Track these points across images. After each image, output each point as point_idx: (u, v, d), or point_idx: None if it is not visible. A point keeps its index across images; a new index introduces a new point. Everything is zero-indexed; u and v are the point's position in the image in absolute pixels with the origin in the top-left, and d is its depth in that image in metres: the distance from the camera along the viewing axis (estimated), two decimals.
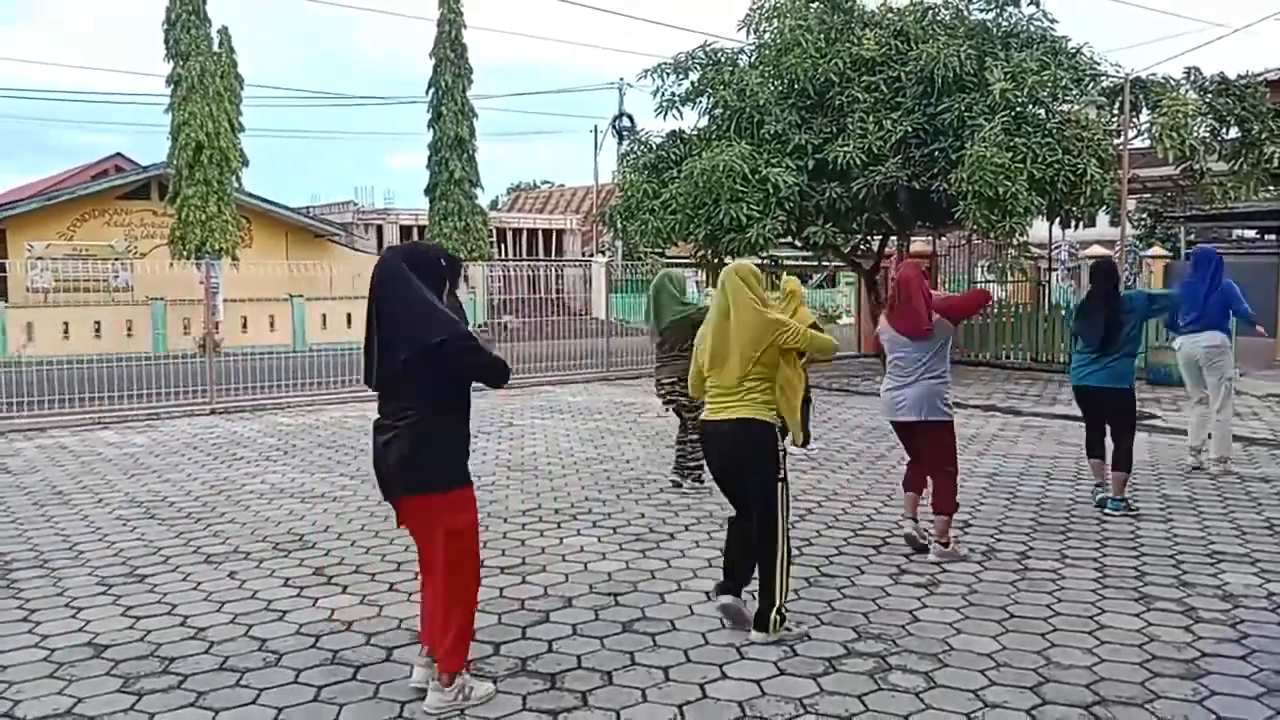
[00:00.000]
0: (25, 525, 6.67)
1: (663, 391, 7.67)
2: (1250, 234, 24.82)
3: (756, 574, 4.59)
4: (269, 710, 3.82)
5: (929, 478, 5.94)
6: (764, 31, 14.95)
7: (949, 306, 5.94)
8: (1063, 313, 15.61)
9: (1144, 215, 31.44)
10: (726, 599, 4.71)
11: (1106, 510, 6.75)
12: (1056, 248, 21.24)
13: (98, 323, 20.68)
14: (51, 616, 4.86)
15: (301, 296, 22.39)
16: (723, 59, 15.19)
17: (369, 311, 3.89)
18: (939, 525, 5.78)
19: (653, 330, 7.75)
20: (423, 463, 3.88)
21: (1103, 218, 15.34)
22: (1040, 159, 12.33)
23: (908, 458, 6.18)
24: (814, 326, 7.13)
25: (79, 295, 22.72)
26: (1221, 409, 8.15)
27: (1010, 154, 12.05)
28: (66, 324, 20.31)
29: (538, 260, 31.68)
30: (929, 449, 5.91)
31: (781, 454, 4.62)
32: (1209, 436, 8.25)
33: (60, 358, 13.04)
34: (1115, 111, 13.68)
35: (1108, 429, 6.95)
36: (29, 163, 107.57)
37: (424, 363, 3.77)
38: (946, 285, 20.36)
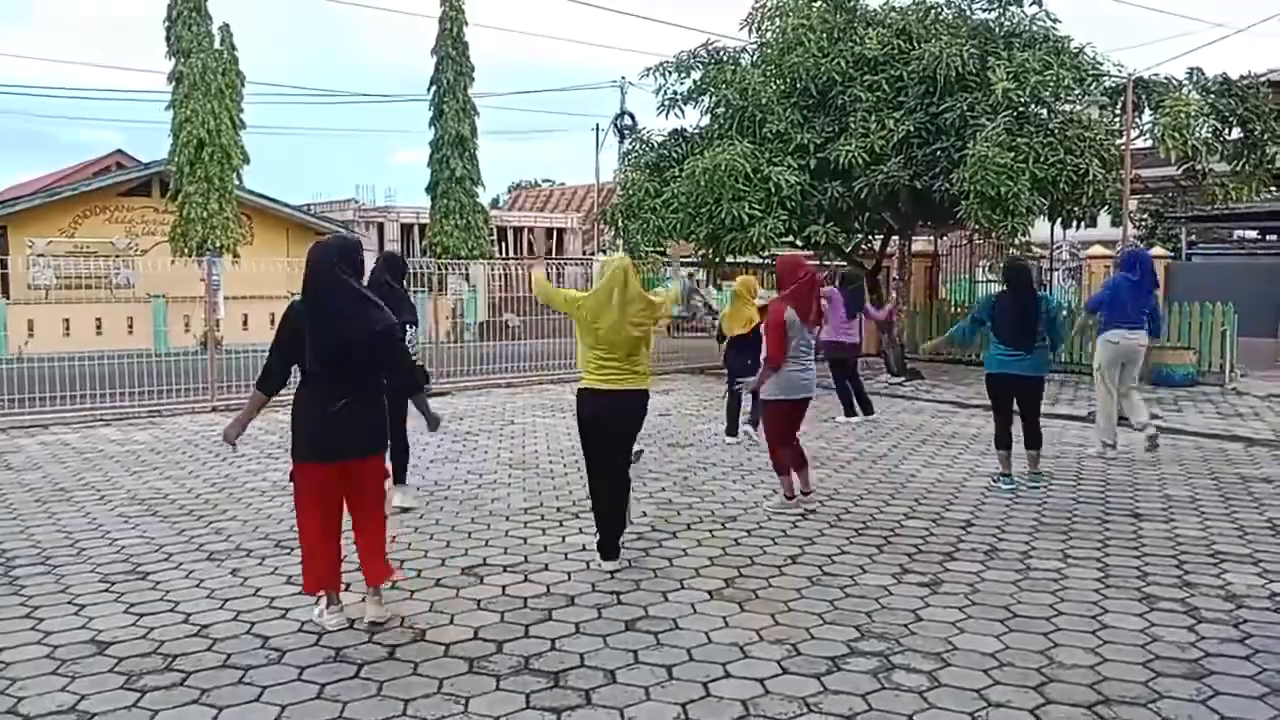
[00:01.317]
0: (27, 522, 6.67)
1: None
2: (1251, 234, 24.80)
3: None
4: (272, 708, 3.82)
5: (797, 445, 6.96)
6: (766, 30, 14.96)
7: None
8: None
9: (1145, 215, 31.42)
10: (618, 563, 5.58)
11: (1029, 486, 7.45)
12: (1058, 248, 21.22)
13: (99, 320, 20.67)
14: (54, 614, 4.86)
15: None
16: (725, 58, 15.19)
17: (311, 299, 4.60)
18: (810, 478, 7.05)
19: None
20: (383, 427, 4.86)
21: (1104, 218, 15.34)
22: (1042, 159, 12.32)
23: (784, 441, 6.98)
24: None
25: (80, 292, 22.72)
26: (1132, 397, 8.96)
27: (1012, 154, 12.04)
28: (67, 321, 20.29)
29: (537, 259, 31.66)
30: (801, 419, 7.01)
31: None
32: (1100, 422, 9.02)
33: (61, 355, 13.03)
34: (1118, 111, 13.67)
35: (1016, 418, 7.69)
36: (30, 160, 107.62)
37: (381, 340, 4.64)
38: (948, 285, 20.40)
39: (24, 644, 4.46)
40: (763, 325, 7.11)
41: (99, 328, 20.30)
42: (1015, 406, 7.64)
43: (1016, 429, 7.65)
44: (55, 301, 22.14)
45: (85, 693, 3.95)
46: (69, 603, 5.02)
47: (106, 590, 5.22)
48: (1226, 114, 13.51)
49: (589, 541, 6.07)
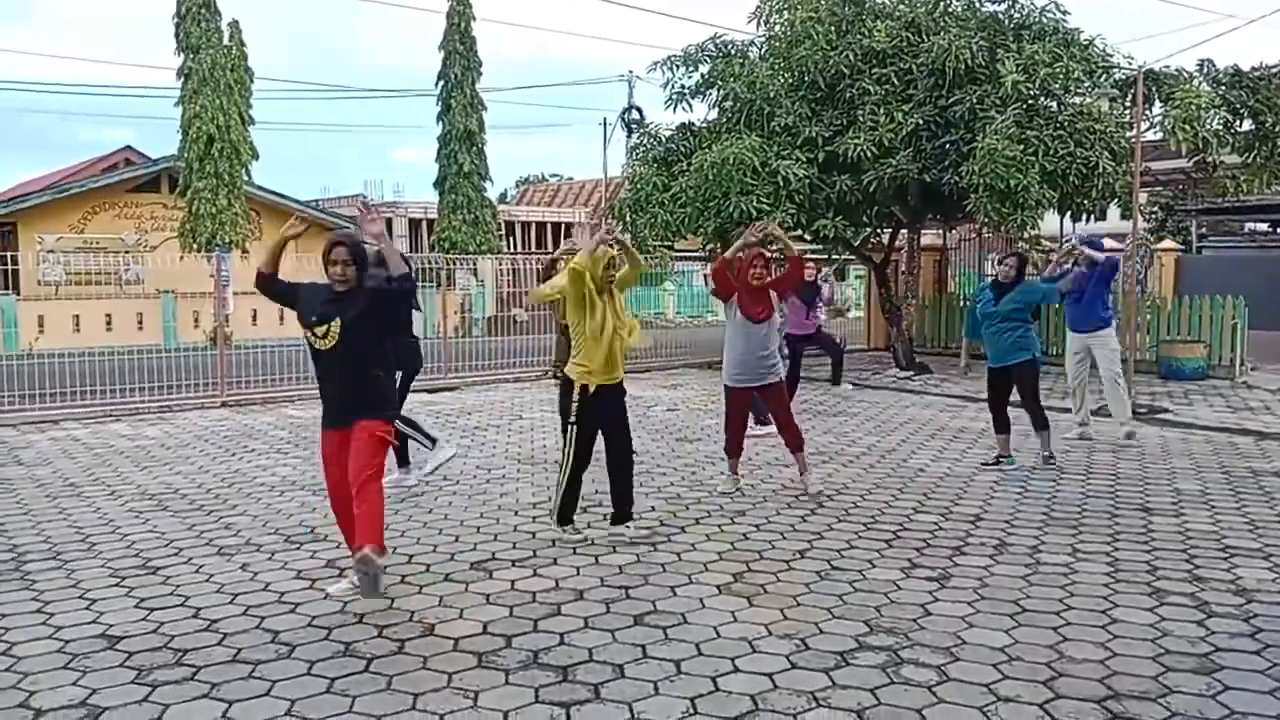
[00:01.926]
0: (38, 517, 6.70)
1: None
2: (1262, 227, 24.70)
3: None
4: (282, 702, 3.84)
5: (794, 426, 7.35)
6: (774, 24, 14.90)
7: None
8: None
9: (1156, 208, 31.28)
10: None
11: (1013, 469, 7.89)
12: (1068, 240, 21.14)
13: (109, 315, 20.79)
14: (65, 608, 4.88)
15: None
16: (733, 51, 15.15)
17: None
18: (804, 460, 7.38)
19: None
20: None
21: (1114, 211, 15.24)
22: (1052, 152, 12.27)
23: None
24: None
25: (90, 288, 22.83)
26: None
27: (1022, 146, 11.99)
28: (77, 317, 20.41)
29: (547, 253, 31.60)
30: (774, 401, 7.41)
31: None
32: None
33: (72, 350, 13.10)
34: (1128, 104, 13.60)
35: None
36: (39, 156, 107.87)
37: None
38: (957, 279, 20.33)
39: (35, 638, 4.48)
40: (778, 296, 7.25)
41: (109, 323, 20.40)
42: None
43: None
44: (65, 298, 22.26)
45: (96, 686, 3.97)
46: (80, 597, 5.05)
47: (117, 585, 5.24)
48: (1238, 106, 13.43)
49: (597, 535, 6.09)
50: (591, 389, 5.83)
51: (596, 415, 5.90)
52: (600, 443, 6.04)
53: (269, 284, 5.06)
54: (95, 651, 4.33)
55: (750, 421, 9.57)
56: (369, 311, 5.00)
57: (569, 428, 6.00)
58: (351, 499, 4.91)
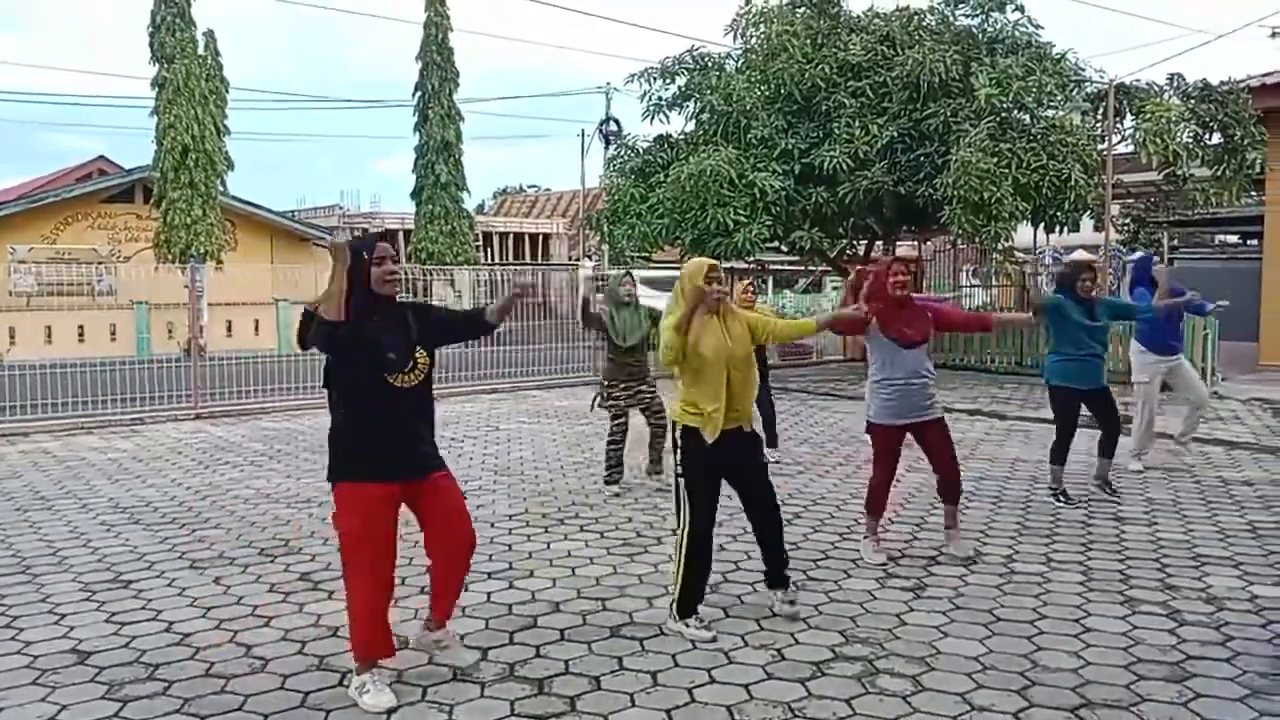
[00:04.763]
0: (8, 530, 6.62)
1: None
2: (1232, 239, 25.02)
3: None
4: (255, 716, 3.81)
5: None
6: (751, 37, 15.01)
7: None
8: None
9: (1127, 220, 31.63)
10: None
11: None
12: (1040, 252, 21.35)
13: (81, 327, 20.55)
14: (35, 623, 4.82)
15: (286, 300, 22.31)
16: (710, 64, 15.24)
17: None
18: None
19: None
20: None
21: (1086, 222, 15.43)
22: (1025, 164, 12.40)
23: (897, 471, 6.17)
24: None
25: (62, 299, 22.56)
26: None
27: (995, 159, 12.12)
28: (49, 328, 20.16)
29: (524, 264, 31.64)
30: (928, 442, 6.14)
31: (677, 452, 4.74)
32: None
33: (43, 362, 12.95)
34: (1099, 117, 13.78)
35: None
36: (12, 166, 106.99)
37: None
38: (932, 289, 20.47)
39: (4, 654, 4.43)
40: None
41: (81, 335, 20.18)
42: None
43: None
44: (37, 308, 22.00)
45: (66, 703, 3.92)
46: (50, 612, 4.99)
47: (88, 599, 5.18)
48: (1207, 119, 13.63)
49: (574, 548, 6.08)
50: (706, 436, 4.56)
51: (715, 466, 4.66)
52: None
53: (335, 331, 3.83)
54: (65, 667, 4.28)
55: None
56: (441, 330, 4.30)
57: (677, 482, 4.73)
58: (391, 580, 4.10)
